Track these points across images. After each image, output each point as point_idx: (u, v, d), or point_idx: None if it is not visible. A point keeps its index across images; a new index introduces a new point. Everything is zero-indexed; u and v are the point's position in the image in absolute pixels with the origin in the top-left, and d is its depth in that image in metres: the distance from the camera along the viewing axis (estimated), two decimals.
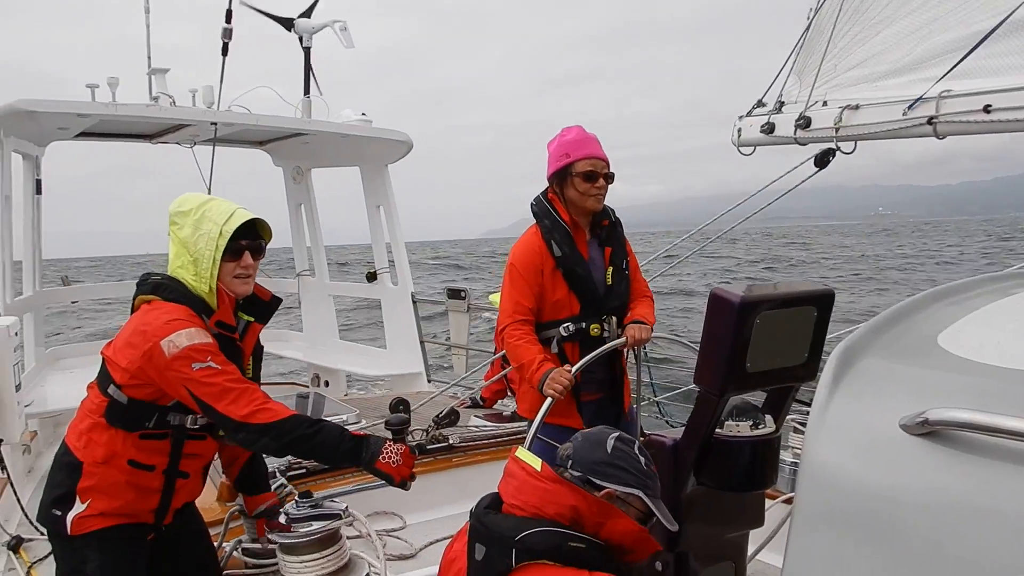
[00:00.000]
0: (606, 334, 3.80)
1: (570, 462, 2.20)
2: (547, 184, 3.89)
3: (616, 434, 2.24)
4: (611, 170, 3.80)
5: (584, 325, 3.77)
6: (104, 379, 2.85)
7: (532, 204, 3.92)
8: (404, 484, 2.84)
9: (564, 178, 3.78)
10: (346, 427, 2.85)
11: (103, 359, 2.89)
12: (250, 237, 2.93)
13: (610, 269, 3.87)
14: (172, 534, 3.07)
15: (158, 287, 2.85)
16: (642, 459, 2.22)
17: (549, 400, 3.48)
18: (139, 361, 2.72)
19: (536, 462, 2.16)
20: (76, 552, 2.83)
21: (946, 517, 1.23)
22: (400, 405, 4.68)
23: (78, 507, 2.80)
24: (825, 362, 1.56)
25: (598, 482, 2.15)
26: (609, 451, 2.19)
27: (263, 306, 3.13)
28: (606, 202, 3.89)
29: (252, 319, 3.08)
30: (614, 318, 3.85)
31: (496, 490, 2.26)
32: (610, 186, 3.82)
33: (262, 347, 3.19)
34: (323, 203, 8.76)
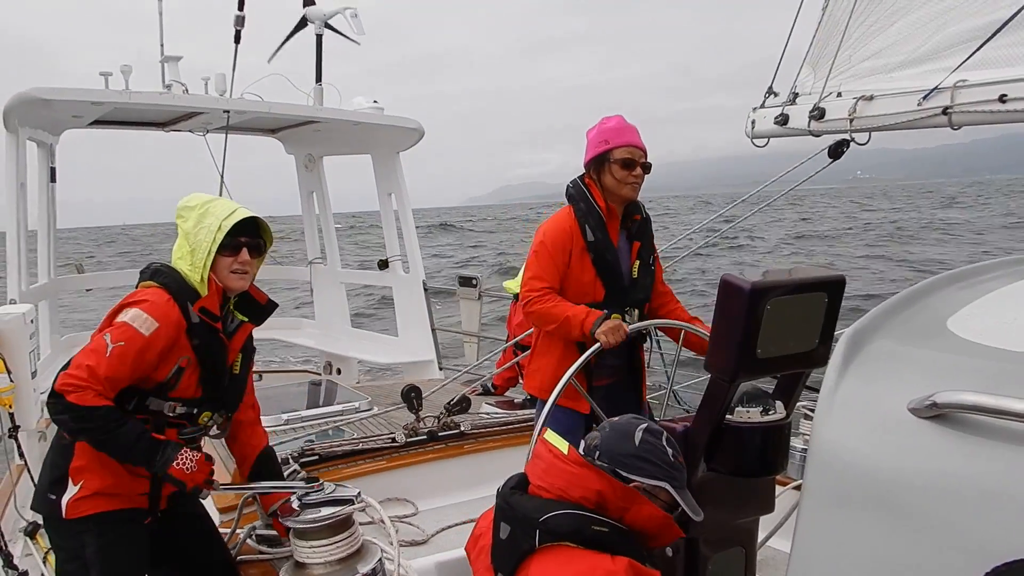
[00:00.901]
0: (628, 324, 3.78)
1: (597, 453, 2.20)
2: (583, 170, 3.90)
3: (644, 425, 2.25)
4: (648, 160, 3.80)
5: (607, 314, 3.74)
6: None
7: (568, 186, 3.92)
8: (196, 491, 2.87)
9: (602, 164, 3.78)
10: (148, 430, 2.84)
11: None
12: (250, 235, 3.04)
13: (637, 263, 3.87)
14: (170, 519, 3.11)
15: (156, 273, 2.97)
16: (670, 451, 2.23)
17: (564, 379, 3.47)
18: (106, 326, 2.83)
19: (563, 445, 2.19)
20: (74, 537, 2.85)
21: (954, 500, 1.23)
22: (412, 392, 4.69)
23: (71, 489, 2.83)
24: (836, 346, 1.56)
25: (625, 475, 2.16)
26: (637, 443, 2.19)
27: (259, 308, 3.21)
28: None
29: (246, 319, 3.16)
30: (636, 311, 3.86)
31: (522, 471, 2.29)
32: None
33: (254, 348, 3.26)
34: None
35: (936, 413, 1.28)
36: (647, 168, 3.80)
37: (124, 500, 2.90)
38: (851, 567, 1.34)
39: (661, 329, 4.02)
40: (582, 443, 2.29)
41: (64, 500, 2.82)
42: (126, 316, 2.79)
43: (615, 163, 3.73)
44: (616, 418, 2.36)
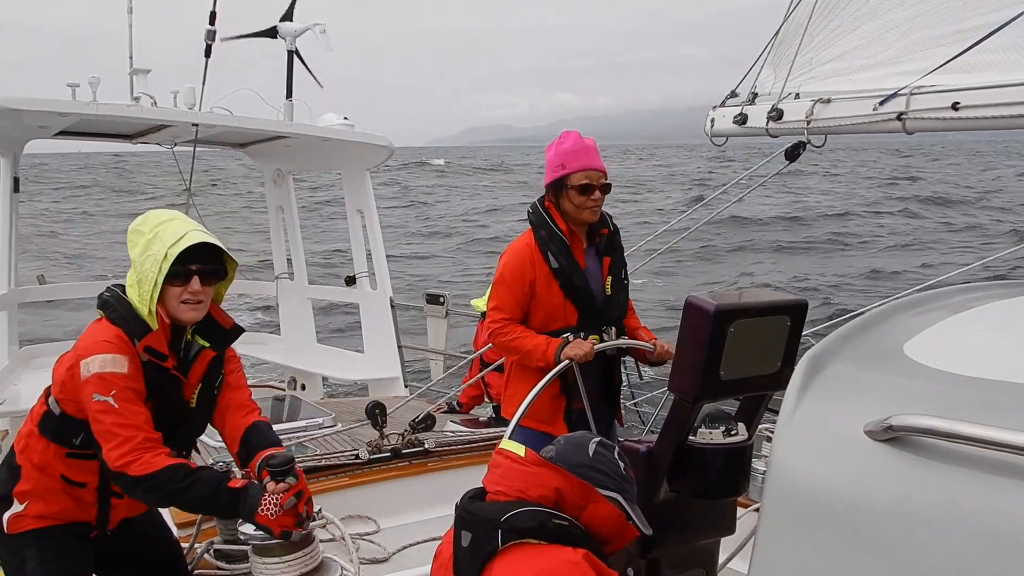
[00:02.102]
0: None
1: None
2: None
3: (597, 439, 2.29)
4: (608, 180, 3.77)
5: (583, 336, 3.72)
6: (50, 387, 2.82)
7: (529, 211, 3.89)
8: (286, 535, 2.70)
9: (560, 189, 3.74)
10: (226, 477, 2.75)
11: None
12: (204, 261, 2.77)
13: (609, 279, 3.84)
14: (125, 534, 3.00)
15: (105, 304, 2.78)
16: (621, 464, 2.26)
17: (563, 364, 3.48)
18: (65, 375, 2.70)
19: (520, 449, 2.22)
20: (16, 552, 2.79)
21: (909, 522, 1.25)
22: (376, 409, 4.67)
23: (15, 507, 2.77)
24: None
25: None
26: (591, 455, 2.22)
27: (222, 333, 2.98)
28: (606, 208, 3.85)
29: (207, 345, 2.92)
30: (613, 329, 3.83)
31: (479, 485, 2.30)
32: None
33: (221, 374, 2.99)
34: None
35: (891, 436, 1.30)
36: (606, 190, 3.76)
37: (68, 520, 2.82)
38: None
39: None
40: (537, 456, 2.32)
41: (6, 516, 2.76)
42: (93, 367, 2.61)
43: (572, 189, 3.69)
44: (570, 434, 2.39)
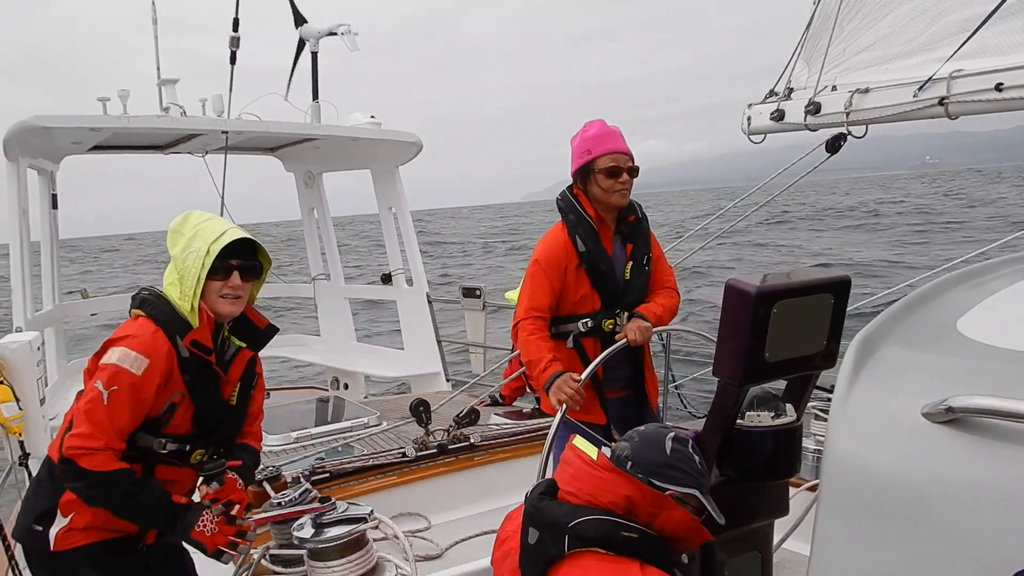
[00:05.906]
0: (617, 328, 3.78)
1: (629, 464, 2.20)
2: (572, 180, 3.87)
3: (672, 434, 2.26)
4: (635, 164, 3.75)
5: (600, 320, 3.76)
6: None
7: (558, 199, 3.90)
8: (218, 554, 2.74)
9: (587, 175, 3.75)
10: (169, 494, 2.77)
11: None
12: (243, 258, 2.87)
13: (630, 264, 3.84)
14: (160, 550, 3.00)
15: (143, 302, 2.82)
16: (697, 458, 2.24)
17: (561, 410, 3.45)
18: (91, 364, 2.74)
19: (592, 451, 2.20)
20: (68, 572, 2.76)
21: (971, 504, 1.23)
22: (420, 406, 4.69)
23: (60, 521, 2.73)
24: (845, 350, 1.56)
25: (659, 484, 2.16)
26: (668, 452, 2.21)
27: (258, 333, 3.05)
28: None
29: (244, 345, 3.00)
30: (626, 313, 3.82)
31: (549, 478, 2.30)
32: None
33: (257, 374, 3.09)
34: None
35: (951, 418, 1.28)
36: (634, 173, 3.74)
37: (114, 532, 2.81)
38: None
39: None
40: (609, 451, 2.29)
41: (52, 532, 2.73)
42: (113, 356, 2.65)
43: (600, 172, 3.70)
44: (643, 427, 2.36)
